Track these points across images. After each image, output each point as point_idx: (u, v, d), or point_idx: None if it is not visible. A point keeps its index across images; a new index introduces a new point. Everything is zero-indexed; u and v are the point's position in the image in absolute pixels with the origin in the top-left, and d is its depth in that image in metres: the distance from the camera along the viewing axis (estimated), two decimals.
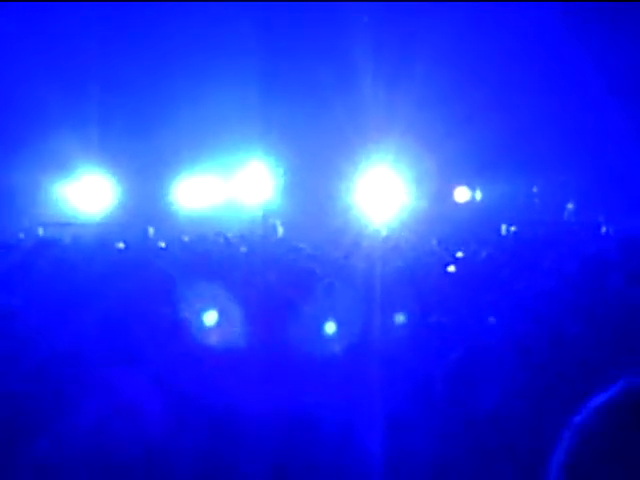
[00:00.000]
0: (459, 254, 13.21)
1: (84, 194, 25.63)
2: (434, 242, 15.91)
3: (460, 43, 22.62)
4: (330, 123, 23.14)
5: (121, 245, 15.81)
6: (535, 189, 26.11)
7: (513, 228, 21.76)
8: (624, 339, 6.07)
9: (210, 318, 6.22)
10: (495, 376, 4.90)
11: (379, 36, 22.68)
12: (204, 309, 6.15)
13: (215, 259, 11.92)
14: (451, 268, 10.11)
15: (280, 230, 23.33)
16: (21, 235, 20.21)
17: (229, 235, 17.97)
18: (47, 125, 22.16)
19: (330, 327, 6.69)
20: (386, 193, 25.38)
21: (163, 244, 17.36)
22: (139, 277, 8.82)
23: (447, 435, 4.77)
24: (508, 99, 22.74)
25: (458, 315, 6.31)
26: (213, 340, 5.93)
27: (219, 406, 4.98)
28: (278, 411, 4.89)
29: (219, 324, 6.16)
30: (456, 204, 27.12)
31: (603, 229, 20.85)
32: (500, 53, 22.63)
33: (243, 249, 14.75)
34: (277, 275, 8.89)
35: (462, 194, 27.57)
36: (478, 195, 27.59)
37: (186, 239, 17.40)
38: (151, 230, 21.22)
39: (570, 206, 25.31)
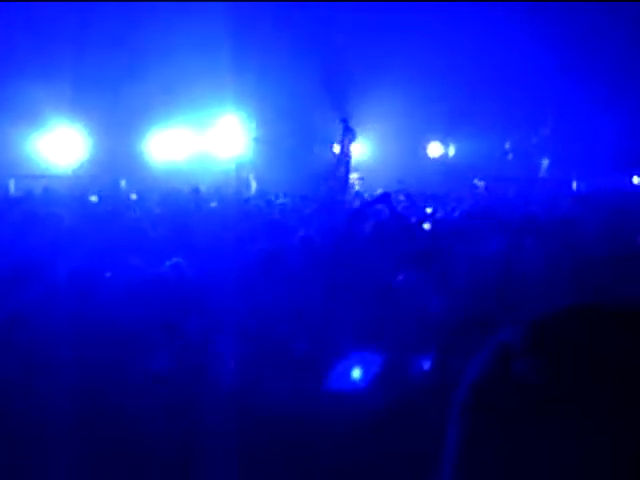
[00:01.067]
0: (428, 210, 13.29)
1: (56, 146, 25.45)
2: (402, 197, 15.90)
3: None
4: (302, 77, 23.05)
5: (94, 198, 15.74)
6: (507, 145, 26.20)
7: (481, 183, 21.89)
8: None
9: (180, 272, 6.19)
10: None
11: None
12: (176, 264, 6.12)
13: (187, 213, 11.90)
14: (426, 225, 10.12)
15: (253, 184, 23.32)
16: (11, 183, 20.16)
17: (202, 189, 17.94)
18: (19, 77, 21.92)
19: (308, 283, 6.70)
20: (358, 149, 25.35)
21: (134, 196, 17.32)
22: (111, 230, 8.80)
23: None
24: (482, 53, 22.71)
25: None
26: (183, 297, 5.90)
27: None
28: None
29: (191, 279, 6.13)
30: (429, 159, 27.19)
31: (574, 185, 21.00)
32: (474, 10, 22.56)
33: (214, 204, 14.72)
34: (250, 229, 8.88)
35: (435, 149, 27.63)
36: (451, 151, 27.66)
37: (158, 192, 17.35)
38: (123, 183, 21.15)
39: (545, 162, 25.45)
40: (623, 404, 0.81)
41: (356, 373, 4.91)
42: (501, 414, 0.85)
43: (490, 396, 0.87)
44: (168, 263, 6.20)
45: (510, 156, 26.10)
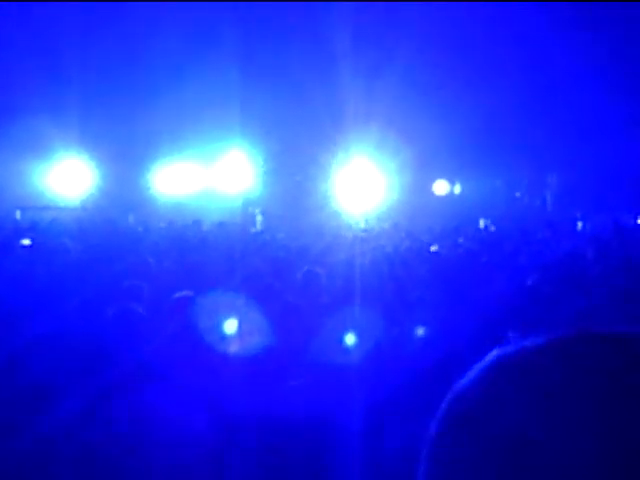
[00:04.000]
0: (433, 248, 13.25)
1: (63, 178, 25.53)
2: (402, 234, 15.95)
3: (443, 37, 22.66)
4: (310, 113, 23.12)
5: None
6: (518, 194, 26.18)
7: (485, 222, 21.90)
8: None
9: (187, 305, 6.20)
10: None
11: (360, 27, 22.65)
12: (182, 299, 6.13)
13: (190, 246, 11.92)
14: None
15: (259, 219, 23.36)
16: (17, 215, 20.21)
17: (207, 223, 17.98)
18: (27, 109, 22.03)
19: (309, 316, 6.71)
20: (365, 184, 25.42)
21: (141, 229, 17.38)
22: (117, 264, 8.82)
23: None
24: (489, 94, 22.77)
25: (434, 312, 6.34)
26: (189, 328, 5.92)
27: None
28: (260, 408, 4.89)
29: (197, 313, 6.14)
30: (435, 197, 27.18)
31: (579, 225, 21.00)
32: (484, 50, 22.66)
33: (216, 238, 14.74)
34: (253, 263, 8.91)
35: (441, 187, 27.61)
36: (457, 189, 27.66)
37: (162, 225, 17.40)
38: (130, 217, 21.20)
39: (549, 201, 25.47)
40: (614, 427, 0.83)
41: None
42: (485, 429, 0.87)
43: (476, 408, 0.89)
44: (177, 295, 6.23)
45: (518, 194, 26.14)
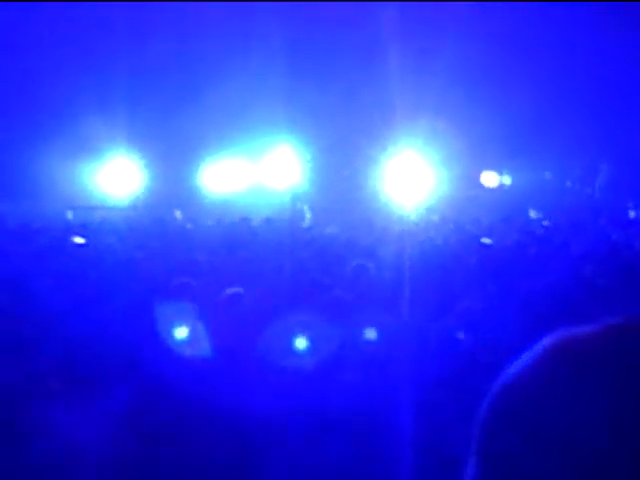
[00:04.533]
0: (486, 240, 13.11)
1: (113, 177, 25.73)
2: (451, 226, 15.87)
3: (491, 27, 22.48)
4: (358, 106, 23.07)
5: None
6: (569, 184, 25.88)
7: (536, 213, 21.68)
8: None
9: (237, 302, 6.21)
10: None
11: (408, 18, 22.54)
12: (232, 296, 6.15)
13: (239, 243, 11.93)
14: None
15: (308, 215, 23.34)
16: (69, 214, 20.42)
17: (255, 220, 18.02)
18: (77, 109, 22.23)
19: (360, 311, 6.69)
20: (414, 177, 25.32)
21: (190, 226, 17.47)
22: (163, 262, 8.86)
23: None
24: (538, 83, 22.56)
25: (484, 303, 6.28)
26: (240, 324, 5.93)
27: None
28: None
29: (247, 309, 6.15)
30: (484, 188, 26.99)
31: (632, 214, 20.73)
32: (534, 39, 22.44)
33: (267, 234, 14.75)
34: (304, 259, 8.90)
35: (490, 179, 27.41)
36: (507, 180, 27.43)
37: (211, 223, 17.46)
38: (178, 213, 21.31)
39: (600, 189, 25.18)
40: None
41: None
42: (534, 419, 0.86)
43: (524, 397, 0.88)
44: (228, 292, 6.25)
45: (569, 184, 25.85)
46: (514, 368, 0.91)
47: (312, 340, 5.77)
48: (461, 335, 5.63)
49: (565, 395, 0.85)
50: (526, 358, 0.91)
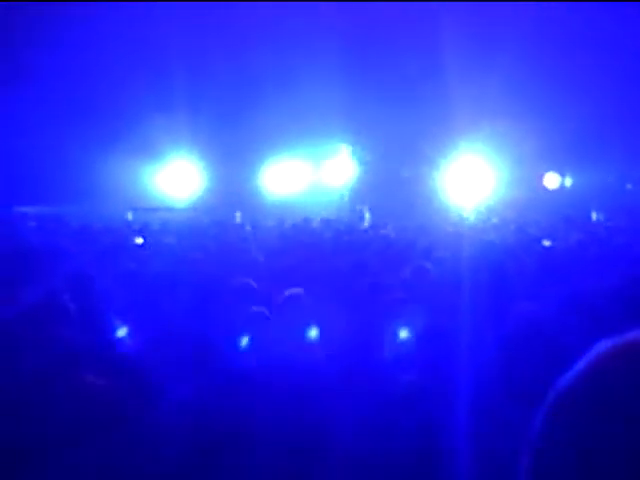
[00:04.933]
0: (547, 243, 13.01)
1: (173, 179, 25.97)
2: (511, 227, 15.76)
3: (553, 30, 22.28)
4: (418, 109, 23.01)
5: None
6: (629, 186, 25.53)
7: (597, 215, 21.45)
8: None
9: (296, 304, 6.23)
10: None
11: (466, 22, 22.43)
12: (291, 297, 6.16)
13: (301, 244, 11.96)
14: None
15: (367, 216, 23.34)
16: (129, 216, 20.66)
17: (316, 220, 18.07)
18: (138, 111, 22.47)
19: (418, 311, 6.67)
20: (474, 180, 25.21)
21: (249, 227, 17.56)
22: (227, 264, 8.91)
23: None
24: (600, 86, 22.31)
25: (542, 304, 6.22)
26: (300, 325, 5.95)
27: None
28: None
29: (305, 311, 6.17)
30: (546, 190, 26.75)
31: None
32: (597, 43, 22.18)
33: (327, 234, 14.77)
34: (363, 260, 8.89)
35: (552, 180, 27.16)
36: (568, 182, 27.16)
37: (271, 224, 17.53)
38: (238, 215, 21.44)
39: None
40: None
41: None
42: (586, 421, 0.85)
43: (580, 403, 0.88)
44: (288, 293, 6.27)
45: (629, 186, 25.52)
46: (570, 374, 0.91)
47: (372, 342, 5.78)
48: (521, 336, 5.59)
49: (621, 403, 0.85)
50: (581, 365, 0.91)
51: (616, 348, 0.90)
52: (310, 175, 26.57)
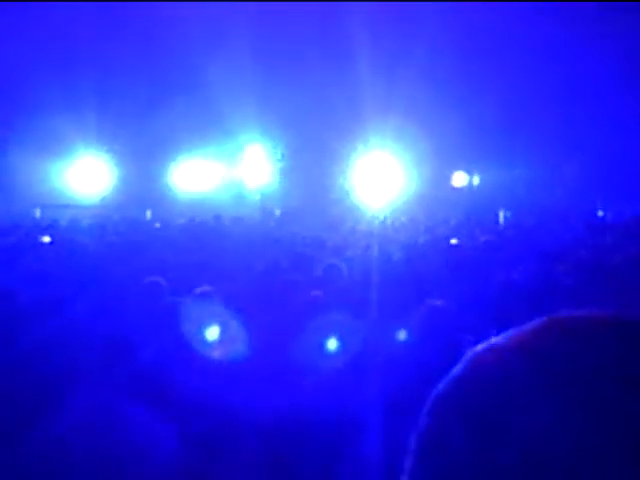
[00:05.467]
0: (454, 241, 13.21)
1: (83, 176, 25.61)
2: (421, 228, 15.95)
3: (460, 27, 22.56)
4: (328, 107, 23.09)
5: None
6: (537, 184, 25.98)
7: (505, 214, 21.83)
8: None
9: (207, 303, 6.20)
10: None
11: (377, 20, 22.57)
12: (202, 294, 6.13)
13: (209, 242, 11.91)
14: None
15: (277, 214, 23.36)
16: (37, 213, 20.29)
17: (226, 218, 18.00)
18: (46, 107, 22.11)
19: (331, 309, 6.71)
20: (383, 177, 25.39)
21: (158, 225, 17.43)
22: (134, 260, 8.83)
23: None
24: (506, 85, 22.69)
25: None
26: (211, 324, 5.92)
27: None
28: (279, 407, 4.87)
29: (216, 310, 6.15)
30: (453, 189, 27.09)
31: (600, 213, 20.89)
32: (501, 39, 22.54)
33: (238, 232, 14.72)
34: (273, 258, 8.89)
35: (460, 179, 27.51)
36: (476, 180, 27.55)
37: (182, 221, 17.42)
38: (148, 213, 21.26)
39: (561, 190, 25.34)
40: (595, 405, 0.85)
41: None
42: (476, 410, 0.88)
43: (467, 393, 0.91)
44: (197, 291, 6.24)
45: (536, 184, 25.98)
46: (445, 380, 0.94)
47: (292, 341, 5.78)
48: (427, 336, 5.67)
49: (487, 411, 0.87)
50: (456, 370, 0.94)
51: (484, 353, 0.93)
52: (221, 173, 26.48)
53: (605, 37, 22.22)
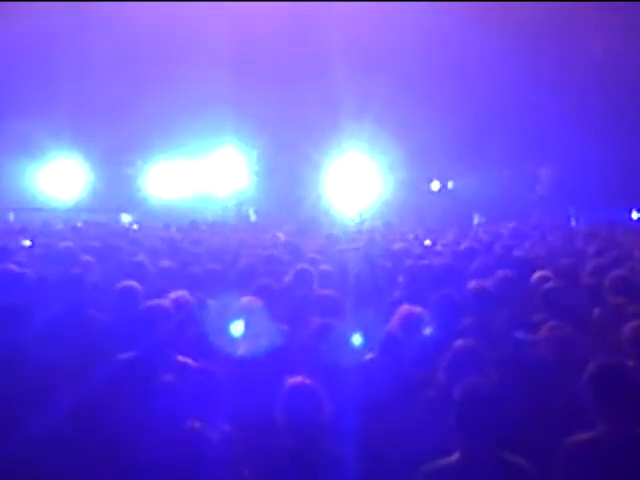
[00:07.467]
0: (427, 242, 13.31)
1: (57, 180, 25.50)
2: (397, 235, 16.02)
3: (436, 36, 22.64)
4: (304, 111, 23.07)
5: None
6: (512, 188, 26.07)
7: (482, 219, 21.90)
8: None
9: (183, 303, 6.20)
10: None
11: (354, 25, 22.60)
12: (177, 300, 6.12)
13: (185, 247, 11.88)
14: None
15: (253, 217, 23.36)
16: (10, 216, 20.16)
17: (202, 223, 17.98)
18: (19, 111, 21.99)
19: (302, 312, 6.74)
20: (360, 182, 25.42)
21: (136, 226, 17.39)
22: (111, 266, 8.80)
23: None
24: (481, 90, 22.79)
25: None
26: (185, 327, 5.92)
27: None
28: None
29: (193, 313, 6.14)
30: (429, 193, 27.12)
31: (573, 222, 20.99)
32: (475, 49, 22.60)
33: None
34: (249, 262, 8.88)
35: (434, 184, 27.56)
36: (450, 184, 27.59)
37: (158, 226, 17.38)
38: (123, 216, 21.20)
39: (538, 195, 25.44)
40: None
41: None
42: None
43: None
44: (172, 296, 6.22)
45: (509, 190, 26.06)
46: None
47: (261, 345, 5.79)
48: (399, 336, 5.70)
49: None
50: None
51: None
52: (196, 178, 26.41)
53: (575, 46, 22.40)
